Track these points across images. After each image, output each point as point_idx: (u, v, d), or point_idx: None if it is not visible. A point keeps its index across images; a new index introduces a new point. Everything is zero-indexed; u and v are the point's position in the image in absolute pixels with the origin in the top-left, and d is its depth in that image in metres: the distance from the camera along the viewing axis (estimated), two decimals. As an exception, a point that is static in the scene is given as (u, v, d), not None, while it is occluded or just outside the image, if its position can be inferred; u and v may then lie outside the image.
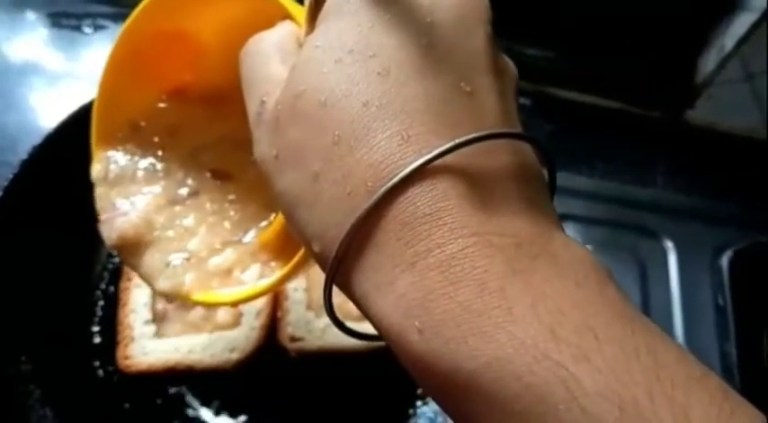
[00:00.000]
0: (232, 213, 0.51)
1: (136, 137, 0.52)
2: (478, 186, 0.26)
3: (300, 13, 0.35)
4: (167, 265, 0.48)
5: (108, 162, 0.51)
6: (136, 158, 0.52)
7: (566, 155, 0.89)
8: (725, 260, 0.81)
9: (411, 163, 0.26)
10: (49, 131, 0.67)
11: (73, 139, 0.68)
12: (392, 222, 0.26)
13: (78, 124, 0.69)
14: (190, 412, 0.65)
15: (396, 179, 0.26)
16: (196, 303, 0.47)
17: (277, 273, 0.45)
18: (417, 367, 0.26)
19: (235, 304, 0.45)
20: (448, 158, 0.26)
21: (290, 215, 0.30)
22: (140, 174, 0.51)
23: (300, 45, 0.33)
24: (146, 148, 0.52)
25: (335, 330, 0.66)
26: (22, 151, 0.67)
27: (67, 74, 0.89)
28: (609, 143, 0.91)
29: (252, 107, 0.32)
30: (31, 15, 0.92)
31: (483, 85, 0.29)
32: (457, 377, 0.24)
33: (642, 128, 0.94)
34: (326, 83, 0.28)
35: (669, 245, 0.83)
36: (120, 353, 0.65)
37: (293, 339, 0.67)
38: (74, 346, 0.67)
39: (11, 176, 0.65)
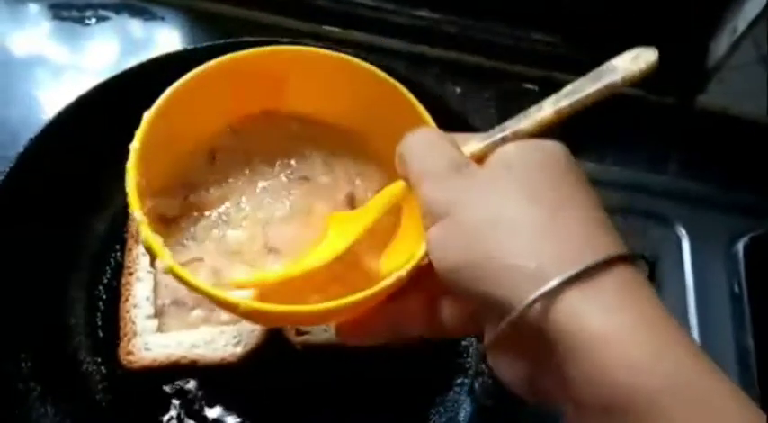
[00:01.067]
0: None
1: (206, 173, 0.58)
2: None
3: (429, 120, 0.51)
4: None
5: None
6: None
7: (575, 142, 0.86)
8: (740, 247, 0.80)
9: (616, 252, 0.37)
10: (47, 122, 0.66)
11: (73, 129, 0.68)
12: (610, 279, 0.36)
13: (78, 114, 0.68)
14: (195, 407, 0.64)
15: (614, 254, 0.36)
16: (202, 293, 0.46)
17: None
18: (620, 374, 0.33)
19: (243, 311, 0.45)
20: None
21: (491, 237, 0.38)
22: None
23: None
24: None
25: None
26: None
27: (70, 66, 0.88)
28: (619, 129, 0.89)
29: (419, 169, 0.44)
30: (33, 7, 0.91)
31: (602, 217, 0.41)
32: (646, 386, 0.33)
33: (653, 113, 0.92)
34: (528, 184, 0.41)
35: (683, 232, 0.81)
36: (122, 348, 0.64)
37: (299, 333, 0.66)
38: (75, 342, 0.65)
39: (8, 170, 0.64)
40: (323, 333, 0.66)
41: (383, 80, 0.54)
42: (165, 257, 0.46)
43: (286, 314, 0.46)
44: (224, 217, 0.56)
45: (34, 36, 0.90)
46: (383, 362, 0.66)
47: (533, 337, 0.37)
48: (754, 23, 0.82)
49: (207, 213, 0.56)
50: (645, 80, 0.86)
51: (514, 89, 0.92)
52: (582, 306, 0.35)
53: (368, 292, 0.44)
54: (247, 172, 0.58)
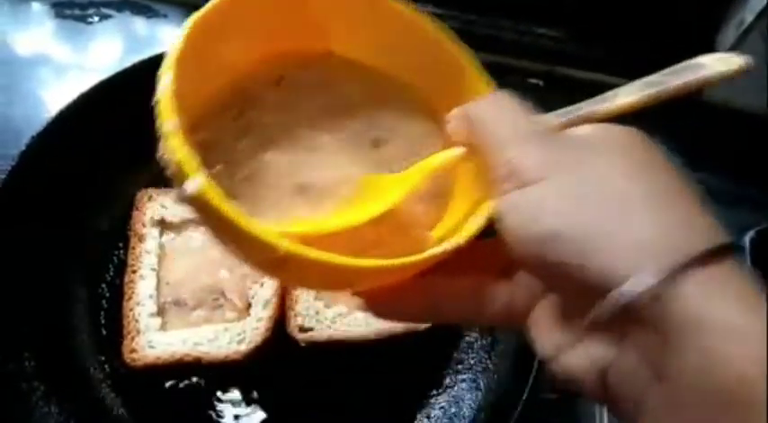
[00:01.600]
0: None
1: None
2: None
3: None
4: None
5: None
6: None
7: None
8: (746, 241, 0.79)
9: (727, 240, 0.34)
10: (49, 120, 0.66)
11: (75, 127, 0.68)
12: (726, 267, 0.33)
13: (80, 112, 0.68)
14: (199, 405, 0.64)
15: (727, 242, 0.34)
16: (232, 228, 0.38)
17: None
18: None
19: (282, 255, 0.38)
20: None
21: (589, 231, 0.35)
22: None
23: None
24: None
25: (346, 320, 0.65)
26: (28, 144, 0.66)
27: (74, 65, 0.89)
28: (624, 123, 0.89)
29: (498, 132, 0.40)
30: (36, 6, 0.91)
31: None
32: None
33: (657, 106, 0.92)
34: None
35: (688, 226, 0.80)
36: (125, 347, 0.64)
37: (302, 329, 0.66)
38: (78, 340, 0.65)
39: (9, 168, 0.63)
40: (327, 330, 0.66)
41: (443, 39, 0.49)
42: (199, 173, 0.37)
43: (332, 267, 0.38)
44: (268, 141, 0.48)
45: (37, 35, 0.90)
46: (387, 358, 0.66)
47: (635, 322, 0.34)
48: (761, 16, 0.81)
49: (249, 136, 0.48)
50: (650, 72, 0.86)
51: (519, 84, 0.91)
52: (702, 292, 0.33)
53: (419, 256, 0.40)
54: (312, 110, 0.51)
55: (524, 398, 0.59)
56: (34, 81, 0.86)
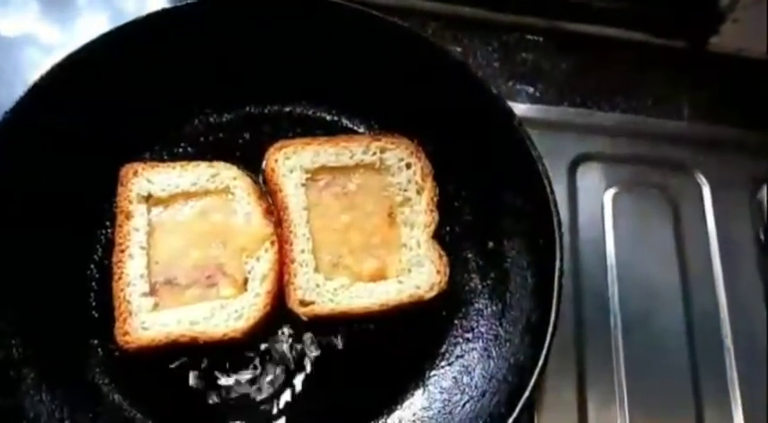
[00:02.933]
0: None
1: None
2: None
3: None
4: None
5: None
6: None
7: (582, 92, 0.85)
8: (765, 192, 0.77)
9: None
10: (23, 94, 0.62)
11: (49, 100, 0.64)
12: None
13: (53, 84, 0.64)
14: (199, 388, 0.62)
15: None
16: None
17: None
18: None
19: None
20: None
21: None
22: None
23: None
24: None
25: (348, 291, 0.63)
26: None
27: (59, 44, 0.86)
28: (628, 76, 0.87)
29: None
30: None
31: None
32: None
33: (663, 58, 0.89)
34: None
35: (702, 179, 0.78)
36: (118, 329, 0.61)
37: (303, 303, 0.63)
38: (68, 324, 0.63)
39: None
40: (329, 302, 0.63)
41: None
42: None
43: None
44: None
45: (23, 14, 0.87)
46: (394, 329, 0.65)
47: None
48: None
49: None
50: (653, 23, 0.83)
51: (518, 40, 0.89)
52: None
53: None
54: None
55: (540, 366, 0.56)
56: (19, 61, 0.85)
